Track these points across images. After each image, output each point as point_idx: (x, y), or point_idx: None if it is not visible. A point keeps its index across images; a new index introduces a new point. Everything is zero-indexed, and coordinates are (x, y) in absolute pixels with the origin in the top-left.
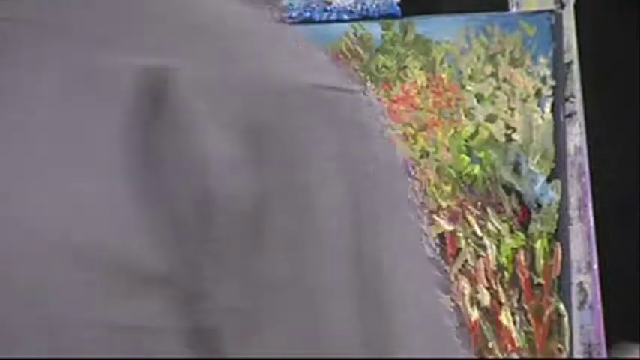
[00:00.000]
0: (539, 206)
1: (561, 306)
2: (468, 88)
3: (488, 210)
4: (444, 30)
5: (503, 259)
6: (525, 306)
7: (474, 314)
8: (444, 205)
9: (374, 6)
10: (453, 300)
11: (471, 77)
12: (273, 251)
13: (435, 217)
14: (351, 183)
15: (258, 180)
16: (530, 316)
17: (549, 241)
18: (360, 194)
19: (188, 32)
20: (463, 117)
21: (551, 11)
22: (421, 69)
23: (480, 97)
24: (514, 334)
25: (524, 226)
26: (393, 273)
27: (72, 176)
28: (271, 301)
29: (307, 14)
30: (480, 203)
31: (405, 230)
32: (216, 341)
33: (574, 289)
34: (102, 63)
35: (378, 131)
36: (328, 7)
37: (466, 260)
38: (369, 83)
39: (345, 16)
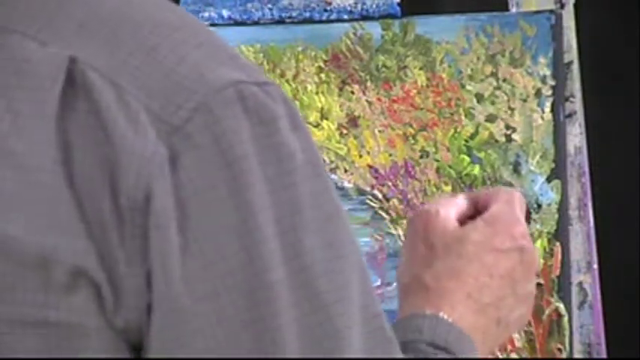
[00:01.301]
0: (539, 206)
1: (561, 306)
2: (468, 88)
3: None
4: (444, 30)
5: None
6: None
7: None
8: None
9: (374, 6)
10: None
11: (470, 77)
12: (200, 250)
13: None
14: (271, 180)
15: (178, 178)
16: (530, 316)
17: (549, 241)
18: (280, 192)
19: (106, 22)
20: (463, 117)
21: (551, 11)
22: (421, 69)
23: (479, 97)
24: (514, 334)
25: None
26: (322, 269)
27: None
28: (204, 302)
29: (307, 14)
30: None
31: (326, 225)
32: (140, 340)
33: (574, 289)
34: (27, 54)
35: (295, 124)
36: (328, 7)
37: None
38: (369, 83)
39: (345, 16)
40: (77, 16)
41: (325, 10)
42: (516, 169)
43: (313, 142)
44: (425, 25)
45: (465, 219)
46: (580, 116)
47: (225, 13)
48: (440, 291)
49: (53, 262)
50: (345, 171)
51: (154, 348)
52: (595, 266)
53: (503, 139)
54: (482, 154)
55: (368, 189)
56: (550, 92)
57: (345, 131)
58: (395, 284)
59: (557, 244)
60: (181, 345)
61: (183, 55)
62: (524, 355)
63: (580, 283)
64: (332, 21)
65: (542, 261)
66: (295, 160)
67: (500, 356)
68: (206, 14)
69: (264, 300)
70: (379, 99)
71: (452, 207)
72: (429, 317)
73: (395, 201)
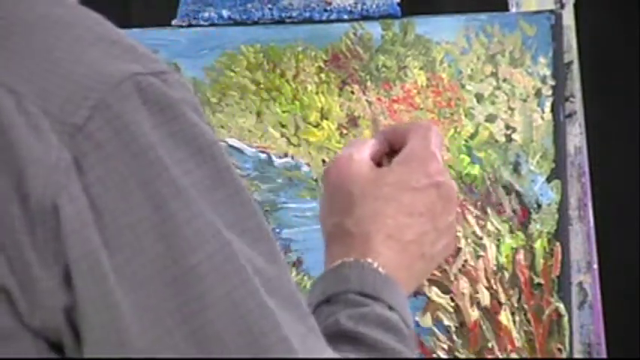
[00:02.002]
0: (539, 206)
1: (561, 306)
2: (468, 88)
3: (488, 210)
4: (444, 30)
5: (503, 259)
6: (525, 306)
7: (474, 314)
8: None
9: (374, 6)
10: (453, 300)
11: (470, 77)
12: (119, 245)
13: None
14: (179, 165)
15: (86, 179)
16: (530, 316)
17: (549, 241)
18: (188, 176)
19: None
20: (463, 117)
21: (551, 11)
22: (421, 69)
23: (479, 97)
24: (514, 334)
25: (524, 226)
26: (237, 246)
27: None
28: (131, 295)
29: (307, 14)
30: (479, 203)
31: (231, 203)
32: (60, 339)
33: (574, 289)
34: None
35: (194, 109)
36: (328, 7)
37: (466, 260)
38: (369, 83)
39: (345, 16)
40: None
41: (325, 10)
42: (516, 169)
43: (208, 125)
44: (425, 25)
45: (382, 157)
46: (580, 116)
47: (225, 13)
48: (362, 236)
49: None
50: None
51: (90, 345)
52: (595, 266)
53: (503, 139)
54: (482, 154)
55: None
56: (550, 92)
57: (345, 131)
58: None
59: (557, 244)
60: (117, 337)
61: (78, 53)
62: (524, 355)
63: (580, 283)
64: (332, 21)
65: (542, 261)
66: (199, 142)
67: (500, 356)
68: (206, 14)
69: (188, 284)
70: (379, 99)
71: (365, 148)
72: (356, 265)
73: None
